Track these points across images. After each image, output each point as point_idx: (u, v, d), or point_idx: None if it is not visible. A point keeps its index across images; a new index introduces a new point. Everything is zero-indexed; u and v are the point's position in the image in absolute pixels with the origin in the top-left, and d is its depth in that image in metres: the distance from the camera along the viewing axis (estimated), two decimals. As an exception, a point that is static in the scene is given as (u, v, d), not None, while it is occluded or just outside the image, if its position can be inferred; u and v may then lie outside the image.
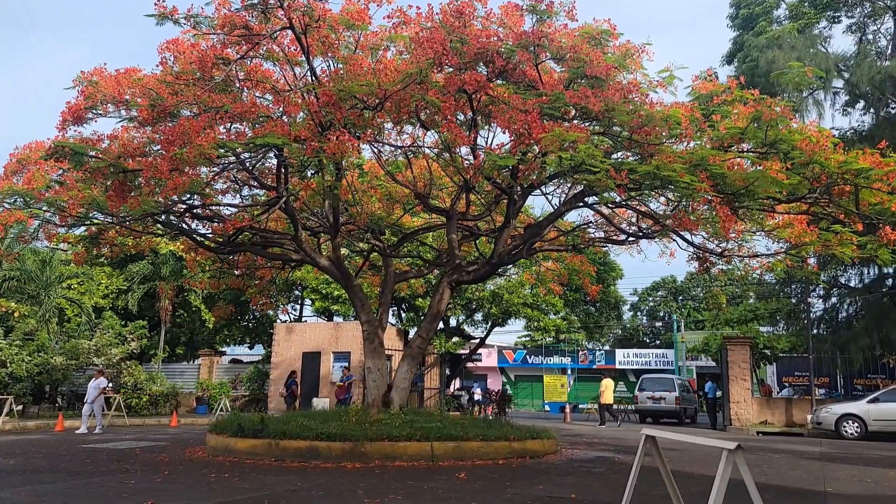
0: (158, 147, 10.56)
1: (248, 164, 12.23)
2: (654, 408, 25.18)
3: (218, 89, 10.69)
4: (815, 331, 25.30)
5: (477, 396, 28.06)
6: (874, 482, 9.54)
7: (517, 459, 11.33)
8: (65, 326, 26.06)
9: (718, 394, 24.14)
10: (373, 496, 7.54)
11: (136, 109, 10.87)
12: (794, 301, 28.58)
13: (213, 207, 13.63)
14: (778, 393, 28.17)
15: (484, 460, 10.99)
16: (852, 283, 26.43)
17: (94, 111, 11.00)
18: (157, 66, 10.97)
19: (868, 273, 25.53)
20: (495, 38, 10.53)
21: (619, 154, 11.57)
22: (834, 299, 27.20)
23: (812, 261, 15.31)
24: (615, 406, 24.50)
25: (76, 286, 26.93)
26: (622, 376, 42.96)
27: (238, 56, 10.80)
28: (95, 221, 12.99)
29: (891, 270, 23.49)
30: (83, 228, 13.62)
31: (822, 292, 26.81)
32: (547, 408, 40.36)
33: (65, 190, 11.77)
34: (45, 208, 12.22)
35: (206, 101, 10.22)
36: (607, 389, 22.01)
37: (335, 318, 27.88)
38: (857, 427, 18.21)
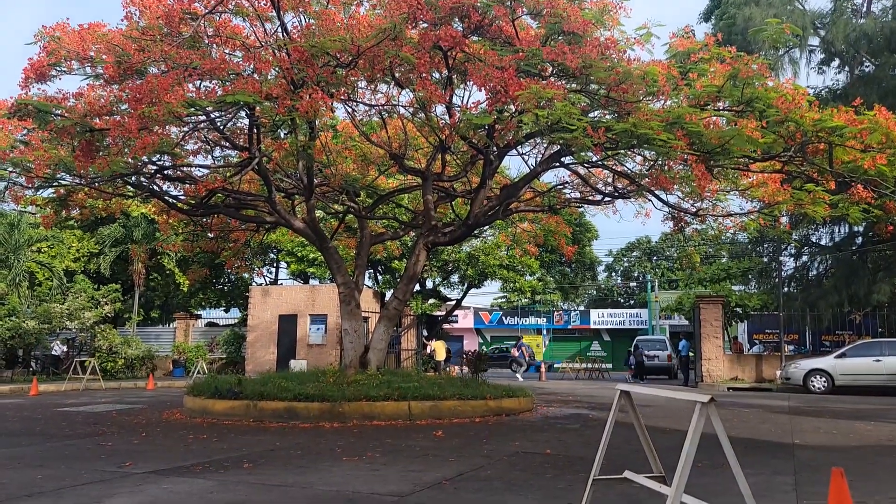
0: (126, 105, 10.24)
1: (218, 124, 11.94)
2: (650, 365, 27.57)
3: (186, 45, 10.35)
4: (785, 289, 25.75)
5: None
6: (840, 434, 9.83)
7: (493, 417, 11.48)
8: (36, 290, 25.64)
9: (691, 352, 24.61)
10: (351, 454, 7.59)
11: (102, 66, 10.50)
12: (765, 260, 29.01)
13: (185, 168, 13.34)
14: (749, 350, 28.78)
15: (461, 419, 11.12)
16: (823, 242, 26.81)
17: (57, 68, 10.62)
18: (122, 20, 10.60)
19: (839, 231, 25.89)
20: (471, -7, 10.30)
21: (597, 112, 11.48)
22: (805, 258, 27.61)
23: (784, 220, 15.51)
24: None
25: (46, 249, 26.44)
26: (596, 336, 43.57)
27: (206, 11, 10.44)
28: (63, 183, 12.65)
29: (860, 229, 23.83)
30: (51, 190, 13.29)
31: (793, 251, 27.18)
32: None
33: (30, 150, 11.40)
34: (10, 169, 11.85)
35: (175, 58, 9.92)
36: (439, 349, 24.79)
37: (311, 281, 27.76)
38: (825, 381, 18.70)
